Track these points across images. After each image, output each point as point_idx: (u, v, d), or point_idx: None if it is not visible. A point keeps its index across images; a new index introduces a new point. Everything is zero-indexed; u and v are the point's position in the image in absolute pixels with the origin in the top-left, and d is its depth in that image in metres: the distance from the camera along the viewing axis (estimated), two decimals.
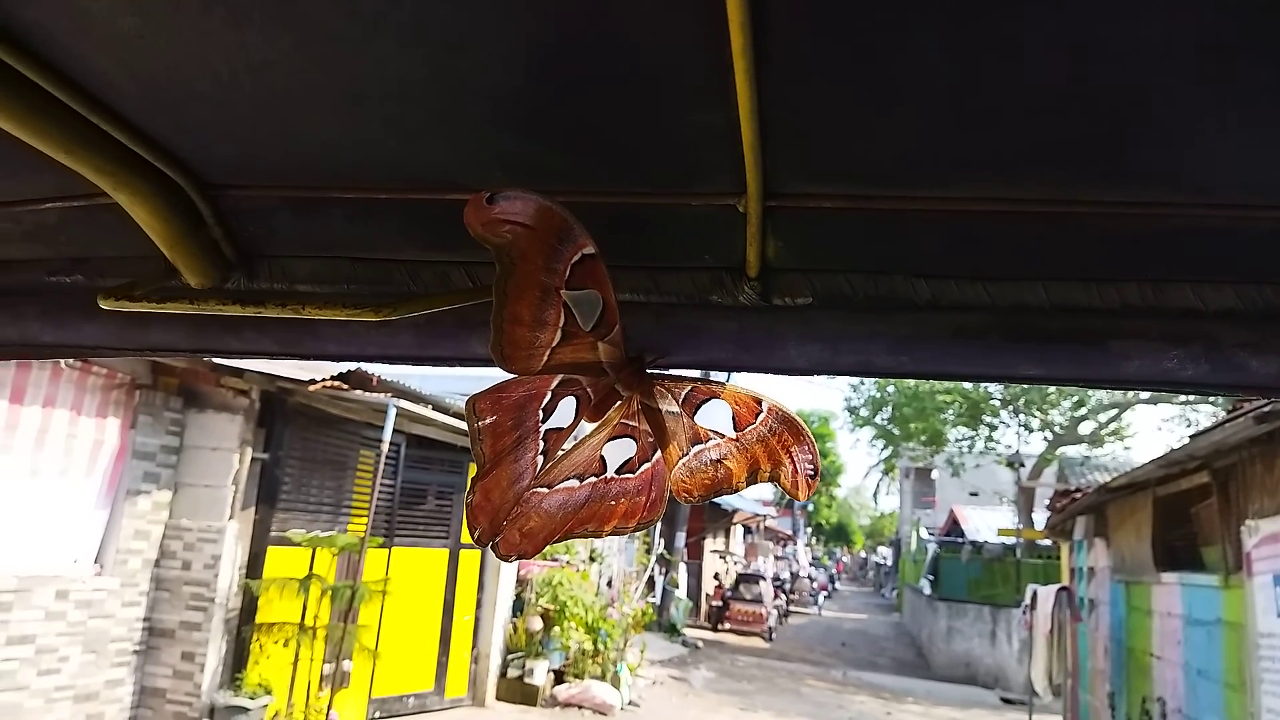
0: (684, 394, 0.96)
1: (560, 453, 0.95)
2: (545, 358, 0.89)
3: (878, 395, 21.45)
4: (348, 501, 7.89)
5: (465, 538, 9.46)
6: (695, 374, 0.98)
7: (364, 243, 1.01)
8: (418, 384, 7.90)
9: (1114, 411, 20.06)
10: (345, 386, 6.89)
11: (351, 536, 7.41)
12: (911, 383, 20.03)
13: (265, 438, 6.89)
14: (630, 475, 0.97)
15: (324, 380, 6.64)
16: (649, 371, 0.96)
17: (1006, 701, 15.19)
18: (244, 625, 6.77)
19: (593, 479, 0.96)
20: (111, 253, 1.05)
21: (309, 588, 6.82)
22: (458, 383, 10.78)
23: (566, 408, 0.95)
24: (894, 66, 0.69)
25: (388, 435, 7.26)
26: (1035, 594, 10.55)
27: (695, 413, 0.96)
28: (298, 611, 6.85)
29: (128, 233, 0.96)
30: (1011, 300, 0.91)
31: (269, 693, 6.70)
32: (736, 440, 0.95)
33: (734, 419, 0.95)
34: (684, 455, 0.96)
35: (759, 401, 0.94)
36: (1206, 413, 18.50)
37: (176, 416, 6.61)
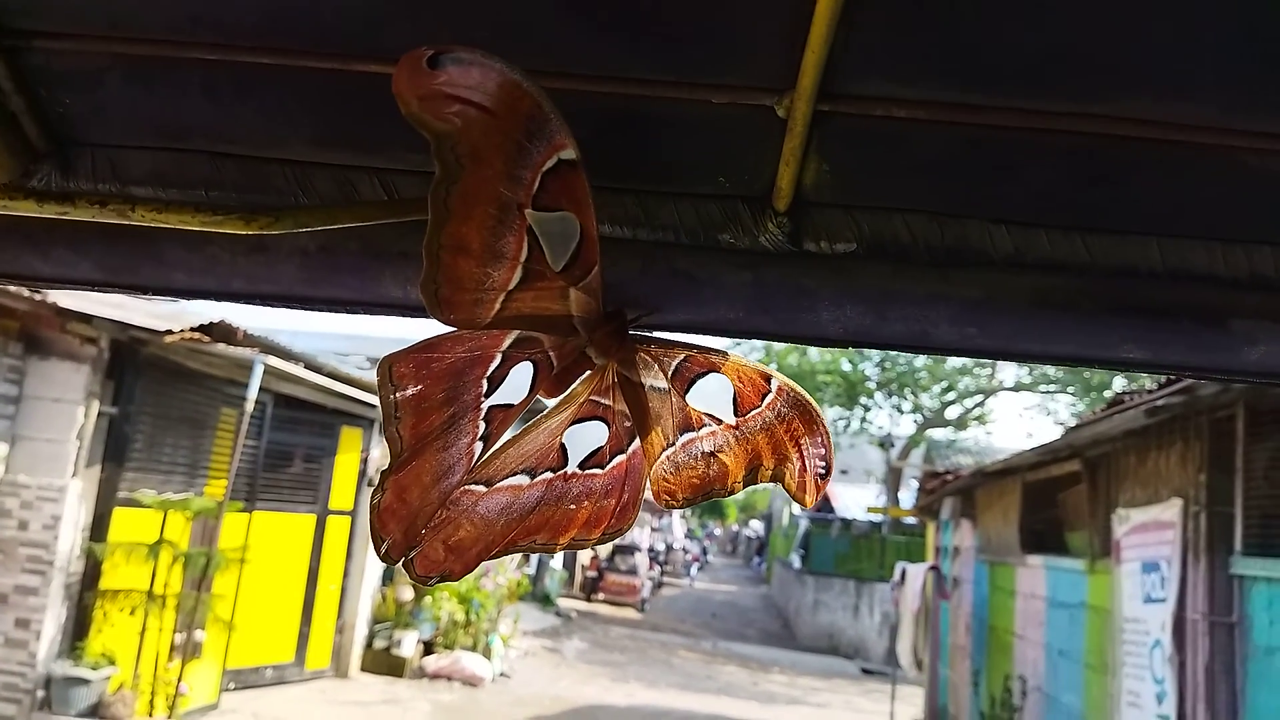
0: (674, 365, 0.71)
1: (505, 438, 0.69)
2: (497, 305, 0.63)
3: None
4: (205, 462, 7.38)
5: (334, 503, 9.07)
6: (691, 339, 0.73)
7: (232, 130, 0.71)
8: (288, 339, 7.42)
9: (980, 397, 20.87)
10: (207, 339, 6.37)
11: (208, 500, 6.94)
12: (794, 360, 20.30)
13: (115, 390, 6.36)
14: (598, 471, 0.72)
15: (182, 331, 6.13)
16: (631, 333, 0.71)
17: (866, 672, 15.67)
18: (86, 591, 6.30)
19: (548, 474, 0.71)
20: None
21: (159, 553, 6.35)
22: (332, 341, 10.29)
23: (519, 378, 0.69)
24: None
25: (253, 394, 6.81)
26: (905, 571, 10.78)
27: (687, 390, 0.71)
28: (146, 578, 6.39)
29: None
30: (1116, 260, 0.69)
31: (113, 663, 6.26)
32: (737, 428, 0.71)
33: (735, 400, 0.71)
34: (669, 446, 0.72)
35: (768, 379, 0.71)
36: (1065, 402, 19.44)
37: (16, 364, 6.00)
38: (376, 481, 0.65)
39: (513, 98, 0.56)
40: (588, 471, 0.72)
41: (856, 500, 23.64)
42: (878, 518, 19.97)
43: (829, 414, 21.51)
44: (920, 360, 19.93)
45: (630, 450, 0.72)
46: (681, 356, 0.72)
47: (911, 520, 17.51)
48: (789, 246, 0.71)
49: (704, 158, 0.70)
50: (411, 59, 0.53)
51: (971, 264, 0.70)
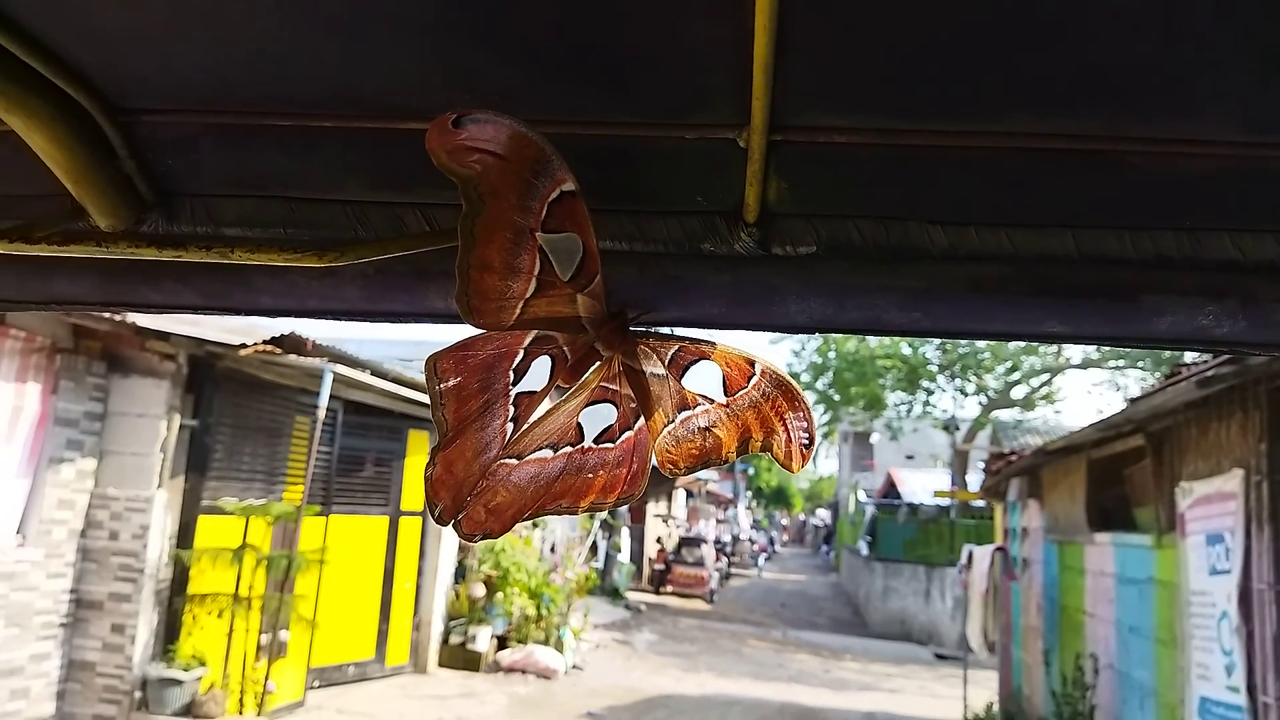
0: (670, 354, 0.86)
1: (532, 419, 0.85)
2: (518, 311, 0.78)
3: (819, 361, 21.58)
4: (283, 469, 7.68)
5: (406, 504, 9.33)
6: (683, 332, 0.88)
7: (302, 179, 0.88)
8: (355, 349, 7.70)
9: (1046, 376, 20.50)
10: (278, 351, 6.67)
11: (287, 505, 7.23)
12: (852, 347, 20.23)
13: (194, 404, 6.66)
14: (610, 445, 0.87)
15: (255, 345, 6.42)
16: (632, 329, 0.85)
17: (940, 657, 15.56)
18: (175, 596, 6.60)
19: (568, 449, 0.86)
20: (4, 189, 0.91)
21: (243, 557, 6.65)
22: (397, 348, 10.58)
23: (540, 369, 0.84)
24: None
25: (324, 401, 7.07)
26: (971, 554, 10.74)
27: (682, 375, 0.86)
28: (231, 582, 6.68)
29: (24, 165, 0.82)
30: (1037, 250, 0.82)
31: (203, 664, 6.56)
32: (727, 406, 0.85)
33: (724, 382, 0.85)
34: (670, 422, 0.86)
35: (751, 363, 0.85)
36: (1135, 377, 19.02)
37: (100, 381, 6.33)
38: (428, 458, 0.81)
39: (521, 145, 0.71)
40: (601, 446, 0.86)
41: (923, 485, 23.44)
42: (945, 502, 19.77)
43: (891, 399, 21.38)
44: (982, 341, 19.67)
45: (637, 427, 0.87)
46: (676, 347, 0.86)
47: (979, 503, 17.33)
48: (760, 251, 0.85)
49: (683, 182, 0.84)
50: (439, 122, 0.68)
51: (914, 259, 0.83)
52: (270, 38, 0.72)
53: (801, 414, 0.85)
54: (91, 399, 6.27)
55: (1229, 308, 0.80)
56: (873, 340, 20.26)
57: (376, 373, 7.93)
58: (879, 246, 0.83)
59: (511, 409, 0.83)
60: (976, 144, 0.76)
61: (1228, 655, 4.94)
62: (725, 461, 0.88)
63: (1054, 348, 19.64)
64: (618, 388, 0.86)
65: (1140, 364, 18.59)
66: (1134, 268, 0.81)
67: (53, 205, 0.87)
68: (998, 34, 0.65)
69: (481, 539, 0.84)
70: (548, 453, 0.85)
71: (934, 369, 20.54)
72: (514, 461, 0.84)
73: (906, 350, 20.35)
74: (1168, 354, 17.27)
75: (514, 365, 0.82)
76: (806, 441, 0.85)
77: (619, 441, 0.87)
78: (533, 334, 0.83)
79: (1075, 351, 19.74)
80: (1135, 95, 0.70)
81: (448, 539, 9.94)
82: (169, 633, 6.56)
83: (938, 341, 19.74)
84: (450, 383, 0.80)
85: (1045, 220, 0.81)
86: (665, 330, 0.88)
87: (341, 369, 7.25)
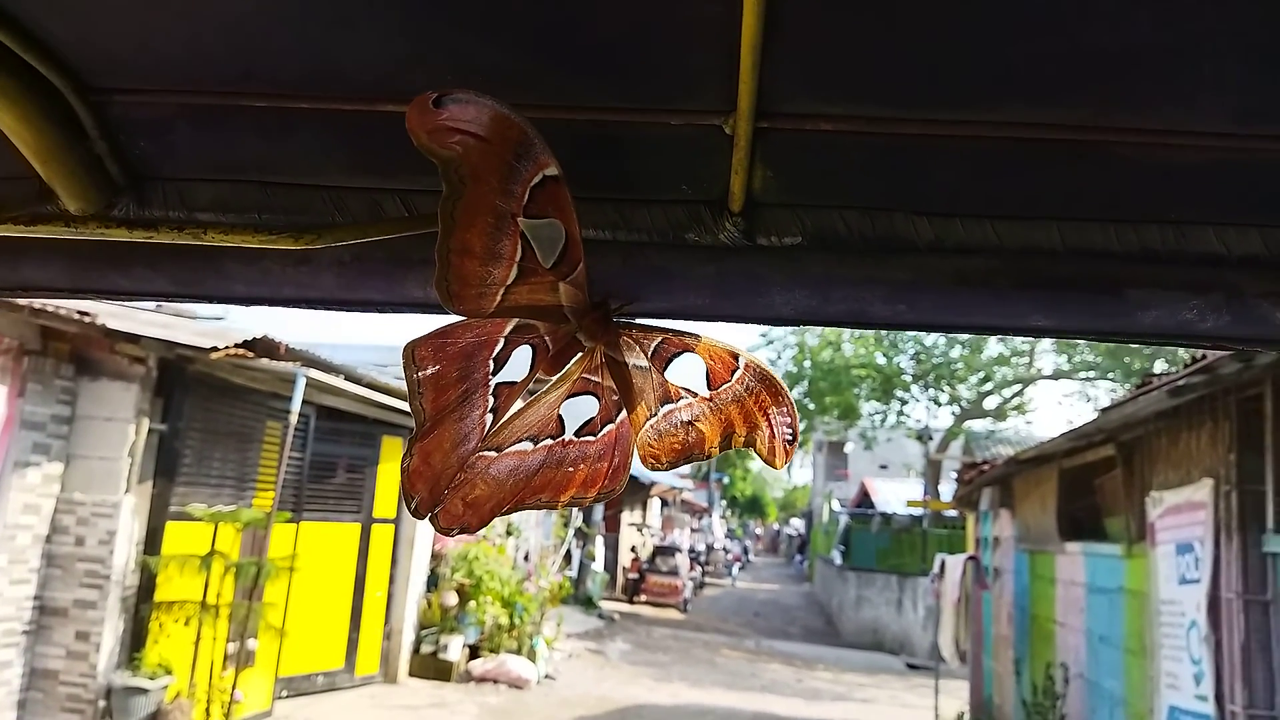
0: (654, 346, 0.85)
1: (512, 411, 0.83)
2: (498, 298, 0.77)
3: (795, 370, 21.63)
4: (253, 475, 7.59)
5: (378, 511, 9.25)
6: (666, 323, 0.87)
7: (279, 163, 0.86)
8: (329, 353, 7.62)
9: (1018, 386, 20.67)
10: (250, 355, 6.58)
11: (257, 511, 7.13)
12: (827, 356, 20.31)
13: (163, 408, 6.56)
14: (591, 438, 0.85)
15: (227, 348, 6.33)
16: (615, 319, 0.84)
17: (912, 667, 15.60)
18: (142, 604, 6.48)
19: (549, 441, 0.84)
20: None
21: (211, 565, 6.55)
22: (371, 353, 10.50)
23: (520, 359, 0.82)
24: None
25: (296, 406, 6.99)
26: (944, 563, 10.78)
27: (666, 368, 0.84)
28: (199, 589, 6.58)
29: None
30: (1023, 242, 0.82)
31: (169, 673, 6.45)
32: (710, 400, 0.84)
33: (708, 375, 0.84)
34: (652, 416, 0.85)
35: (735, 357, 0.84)
36: (1105, 388, 19.22)
37: (68, 385, 6.22)
38: (405, 449, 0.79)
39: (503, 127, 0.69)
40: (583, 438, 0.85)
41: (896, 494, 23.55)
42: (918, 511, 19.86)
43: (865, 408, 21.47)
44: (956, 351, 19.83)
45: (619, 420, 0.85)
46: (659, 339, 0.85)
47: (952, 513, 17.42)
48: (745, 242, 0.84)
49: (668, 170, 0.83)
50: (420, 101, 0.66)
51: (899, 250, 0.82)
52: (247, 13, 0.70)
53: (785, 410, 0.84)
54: (59, 402, 6.16)
55: (1213, 302, 0.80)
56: (848, 349, 20.37)
57: (350, 378, 7.85)
58: (865, 238, 0.83)
59: (491, 399, 0.81)
60: (964, 134, 0.76)
61: (1196, 664, 4.98)
62: (708, 456, 0.86)
63: (1025, 359, 19.83)
64: (600, 379, 0.85)
65: (1110, 375, 18.79)
66: (1119, 261, 0.81)
67: (20, 187, 0.85)
68: (989, 20, 0.65)
69: (459, 533, 0.82)
70: (527, 445, 0.84)
71: (908, 379, 20.63)
72: (493, 454, 0.82)
73: (881, 360, 20.44)
74: (1138, 365, 17.54)
75: (494, 354, 0.81)
76: (790, 437, 0.84)
77: (600, 435, 0.85)
78: (514, 323, 0.81)
79: (1047, 362, 19.93)
80: (1126, 83, 0.70)
81: (420, 547, 9.86)
82: (135, 641, 6.44)
83: (912, 351, 19.89)
84: (428, 371, 0.78)
85: (1031, 212, 0.81)
86: (649, 321, 0.86)
87: (315, 374, 7.17)
